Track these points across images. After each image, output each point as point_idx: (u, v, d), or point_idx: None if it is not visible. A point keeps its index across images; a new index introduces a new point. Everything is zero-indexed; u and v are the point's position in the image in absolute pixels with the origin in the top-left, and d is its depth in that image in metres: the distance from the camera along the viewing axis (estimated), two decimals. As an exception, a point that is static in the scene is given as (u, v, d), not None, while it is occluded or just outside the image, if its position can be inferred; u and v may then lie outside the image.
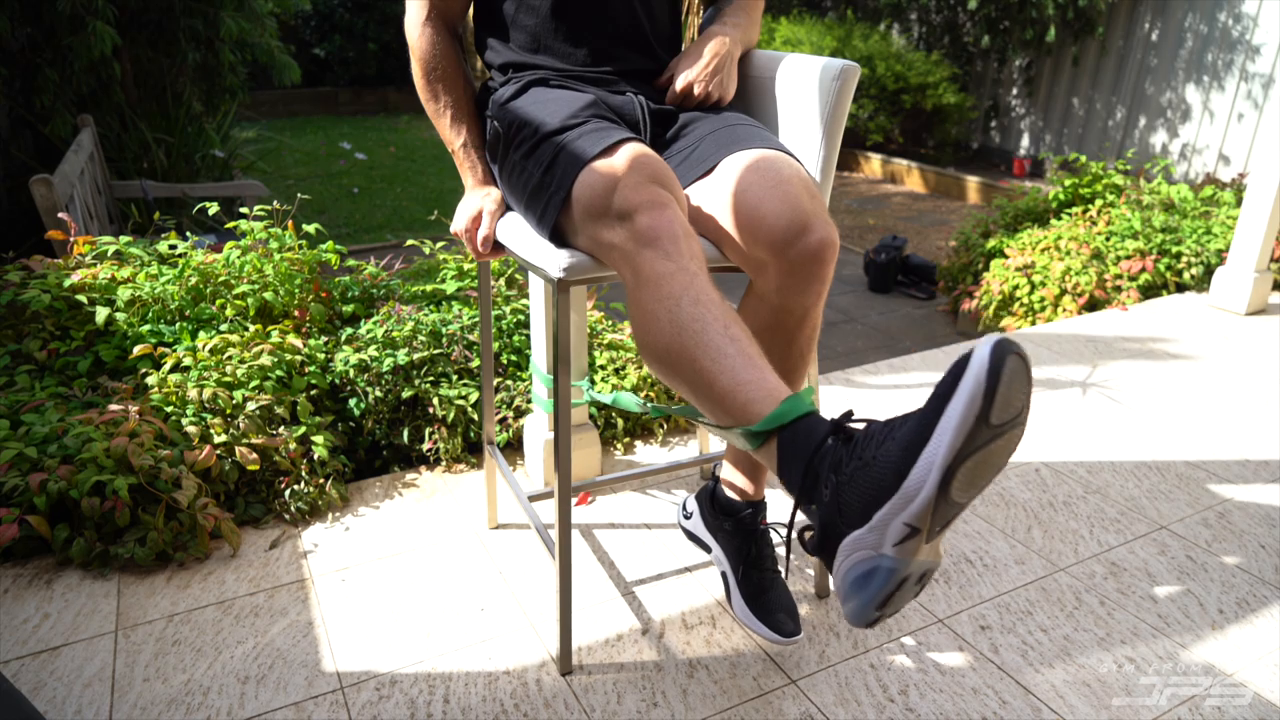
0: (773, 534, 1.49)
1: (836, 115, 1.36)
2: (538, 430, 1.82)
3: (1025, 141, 7.50)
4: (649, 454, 2.02)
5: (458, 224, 1.40)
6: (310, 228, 2.29)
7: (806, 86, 1.37)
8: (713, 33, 1.42)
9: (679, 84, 1.38)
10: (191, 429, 1.72)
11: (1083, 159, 4.33)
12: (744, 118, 1.37)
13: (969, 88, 7.67)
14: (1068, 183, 4.06)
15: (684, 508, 1.52)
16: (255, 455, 1.71)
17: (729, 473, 1.40)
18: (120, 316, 1.97)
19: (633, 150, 1.18)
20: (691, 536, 1.49)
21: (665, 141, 1.37)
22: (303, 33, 9.56)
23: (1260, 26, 5.91)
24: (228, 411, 1.78)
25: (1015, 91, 7.53)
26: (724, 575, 1.41)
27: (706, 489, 1.46)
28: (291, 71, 4.79)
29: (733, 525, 1.39)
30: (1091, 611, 1.52)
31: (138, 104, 4.41)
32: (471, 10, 1.44)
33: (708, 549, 1.45)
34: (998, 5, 6.80)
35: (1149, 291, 3.34)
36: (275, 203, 2.38)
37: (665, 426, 2.12)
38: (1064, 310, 3.27)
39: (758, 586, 1.36)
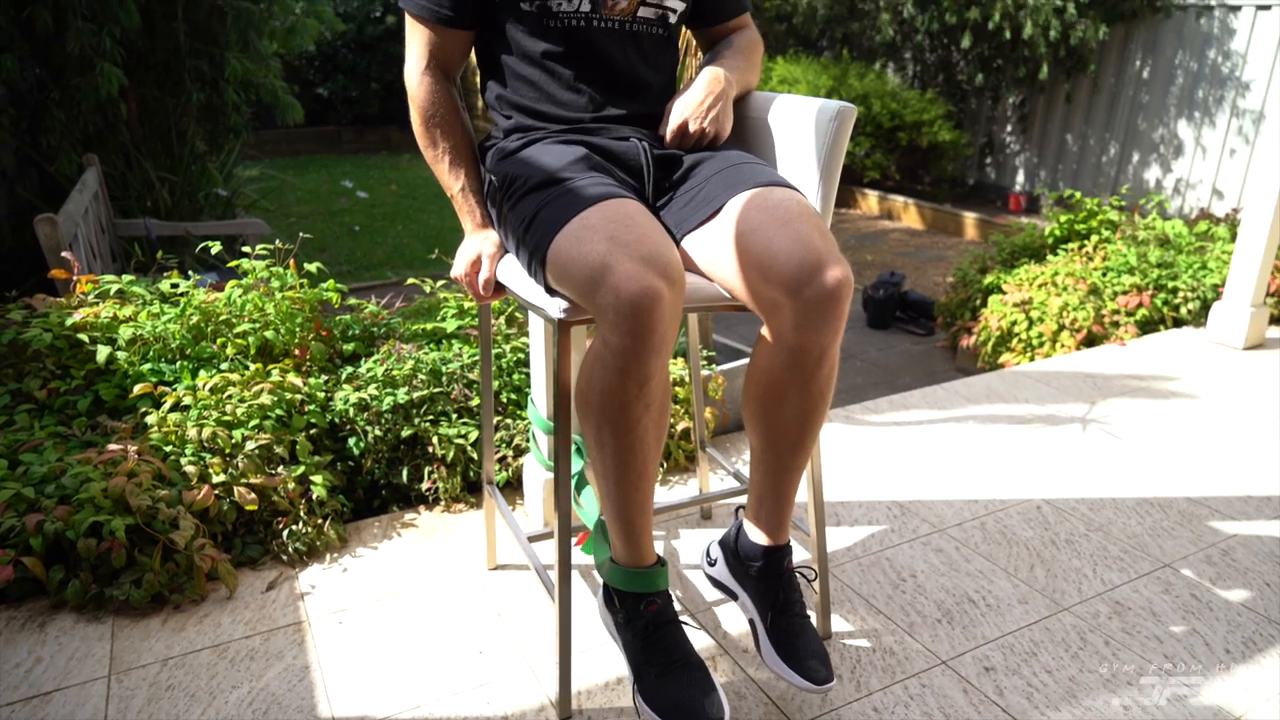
0: (799, 577, 1.48)
1: (834, 155, 1.37)
2: (537, 469, 1.82)
3: (1020, 177, 7.57)
4: (649, 492, 2.01)
5: (457, 269, 1.41)
6: (312, 266, 2.31)
7: (804, 127, 1.39)
8: (709, 70, 1.43)
9: (674, 121, 1.39)
10: (190, 468, 1.71)
11: (1077, 195, 4.37)
12: (748, 156, 1.38)
13: (964, 125, 7.76)
14: (1063, 219, 4.09)
15: (708, 554, 1.51)
16: (253, 495, 1.70)
17: (752, 517, 1.39)
18: (121, 355, 1.98)
19: (607, 216, 1.17)
20: (718, 584, 1.47)
21: (670, 185, 1.38)
22: (306, 73, 9.69)
23: (1249, 63, 5.99)
24: (227, 451, 1.78)
25: (1009, 128, 7.62)
26: (752, 622, 1.39)
27: (730, 535, 1.45)
28: (295, 111, 4.84)
29: (758, 571, 1.37)
30: (1097, 652, 1.51)
31: (143, 143, 4.46)
32: (474, 55, 1.46)
33: (735, 596, 1.43)
34: (990, 44, 6.90)
35: (1146, 326, 3.35)
36: (278, 241, 2.39)
37: (665, 465, 2.12)
38: (1062, 346, 3.27)
39: (787, 633, 1.33)
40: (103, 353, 1.94)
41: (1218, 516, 1.98)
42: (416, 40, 1.38)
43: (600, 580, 1.32)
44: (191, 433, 1.77)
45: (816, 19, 7.61)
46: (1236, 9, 6.06)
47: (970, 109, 7.83)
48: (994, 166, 7.80)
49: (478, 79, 1.50)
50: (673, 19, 1.43)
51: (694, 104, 1.39)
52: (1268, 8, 5.88)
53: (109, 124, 4.25)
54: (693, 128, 1.39)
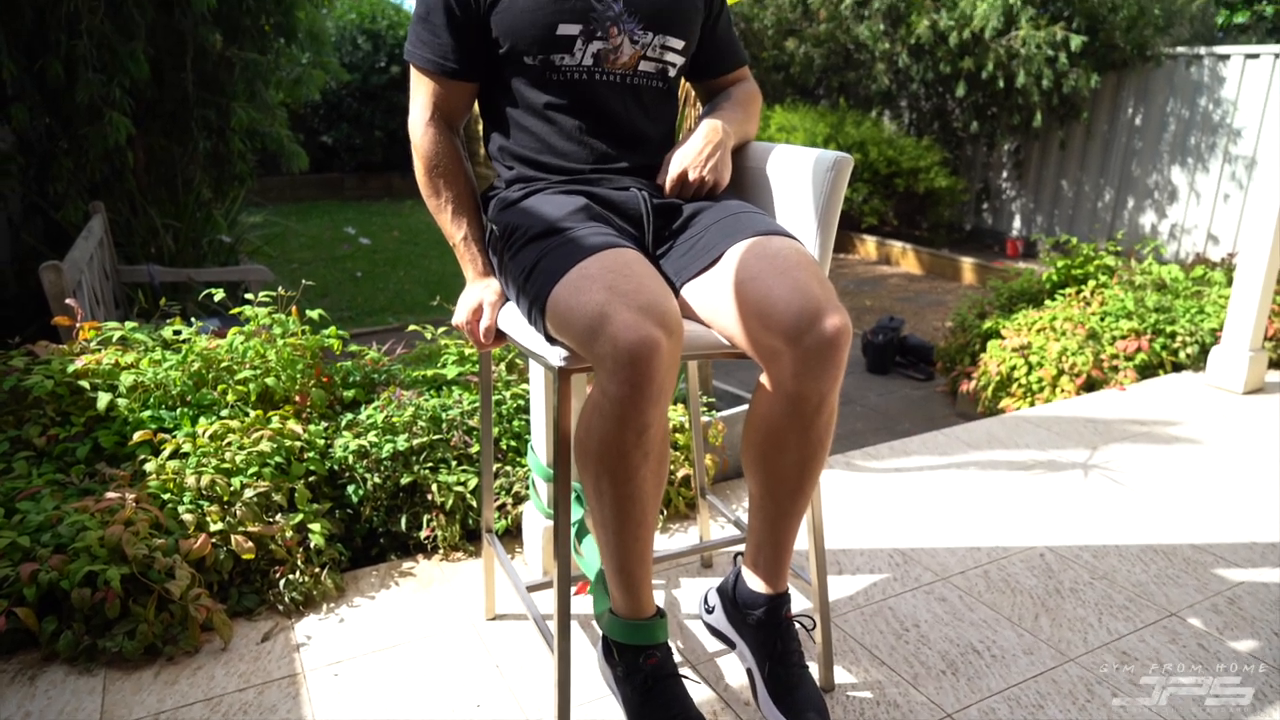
0: (799, 627, 1.46)
1: (831, 205, 1.39)
2: (537, 517, 1.81)
3: (1017, 223, 7.64)
4: (649, 540, 2.00)
5: (459, 317, 1.42)
6: (314, 313, 2.32)
7: (802, 177, 1.41)
8: (707, 121, 1.46)
9: (673, 170, 1.41)
10: (188, 516, 1.70)
11: (1074, 240, 4.40)
12: (747, 206, 1.40)
13: (960, 171, 7.85)
14: (1060, 264, 4.12)
15: (706, 601, 1.49)
16: (251, 544, 1.69)
17: (750, 565, 1.38)
18: (122, 402, 1.98)
19: (605, 265, 1.18)
20: (715, 632, 1.46)
21: (670, 233, 1.40)
22: (311, 121, 9.83)
23: (1240, 110, 6.09)
24: (225, 499, 1.77)
25: (1005, 174, 7.71)
26: (749, 672, 1.37)
27: (728, 582, 1.44)
28: (300, 159, 4.91)
29: (757, 619, 1.36)
30: (1104, 705, 1.49)
31: (148, 190, 4.51)
32: (477, 106, 1.49)
33: (732, 645, 1.42)
34: (985, 92, 7.01)
35: (1146, 371, 3.35)
36: (280, 288, 2.41)
37: (665, 513, 2.11)
38: (1062, 391, 3.27)
39: (785, 684, 1.32)
40: (103, 399, 1.94)
41: (1222, 564, 1.96)
42: (421, 92, 1.41)
43: (600, 632, 1.31)
44: (190, 480, 1.76)
45: (813, 68, 7.75)
46: (1225, 58, 6.17)
47: (966, 155, 7.93)
48: (991, 212, 7.88)
49: (480, 127, 1.53)
50: (672, 72, 1.45)
51: (693, 154, 1.42)
52: (1256, 56, 5.99)
53: (116, 171, 4.30)
54: (692, 176, 1.41)
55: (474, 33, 1.36)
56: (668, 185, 1.42)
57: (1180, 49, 6.50)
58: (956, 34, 6.54)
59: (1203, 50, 6.32)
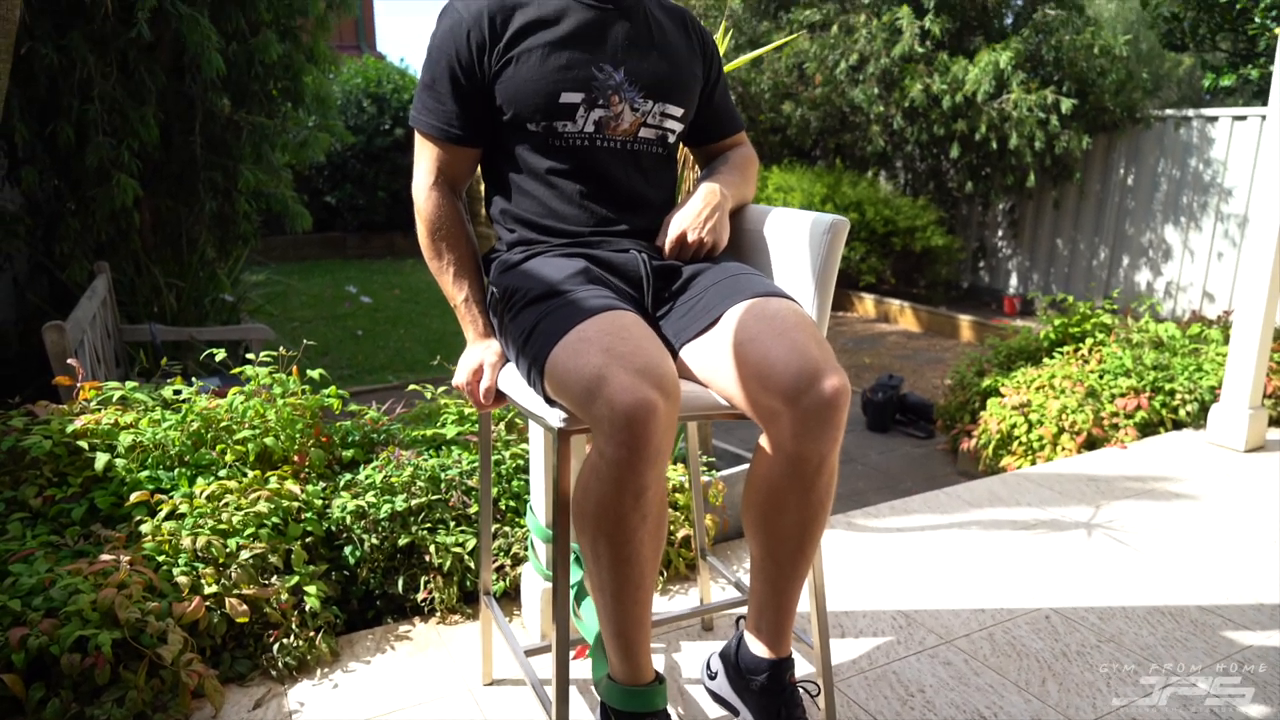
0: (803, 692, 1.44)
1: (828, 267, 1.41)
2: (535, 579, 1.79)
3: (1014, 280, 7.71)
4: (649, 602, 1.97)
5: (459, 378, 1.42)
6: (314, 372, 2.33)
7: (799, 239, 1.43)
8: (705, 184, 1.49)
9: (672, 232, 1.43)
10: (182, 579, 1.69)
11: (1070, 299, 4.43)
12: (745, 268, 1.42)
13: (956, 229, 7.94)
14: (1057, 322, 4.14)
15: (708, 667, 1.47)
16: (245, 607, 1.67)
17: (753, 629, 1.36)
18: (120, 462, 1.97)
19: (603, 328, 1.19)
20: (718, 699, 1.43)
21: (670, 295, 1.42)
22: (316, 181, 9.98)
23: (1230, 170, 6.19)
24: (221, 560, 1.75)
25: (1000, 233, 7.80)
26: None
27: (730, 647, 1.42)
28: (304, 220, 4.97)
29: (760, 685, 1.33)
30: (1115, 773, 1.45)
31: (153, 250, 4.56)
32: (480, 169, 1.52)
33: (736, 712, 1.39)
34: (978, 153, 7.13)
35: (1146, 429, 3.35)
36: (281, 347, 2.42)
37: (665, 574, 2.08)
38: (1063, 449, 3.26)
39: None
40: (101, 460, 1.93)
41: (1231, 626, 1.93)
42: (425, 156, 1.44)
43: (599, 698, 1.28)
44: (186, 542, 1.75)
45: (810, 130, 7.90)
46: (1214, 119, 6.30)
47: (961, 214, 8.03)
48: (987, 270, 7.95)
49: (482, 188, 1.56)
50: (671, 138, 1.49)
51: (691, 215, 1.44)
52: (1244, 118, 6.12)
53: (121, 232, 4.35)
54: (691, 238, 1.43)
55: (478, 100, 1.40)
56: (667, 247, 1.44)
57: (1169, 111, 6.64)
58: (949, 97, 6.68)
59: (1191, 112, 6.45)
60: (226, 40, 4.25)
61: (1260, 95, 6.21)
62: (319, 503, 1.95)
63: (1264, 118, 5.91)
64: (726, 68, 1.98)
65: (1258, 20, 5.66)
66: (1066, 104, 6.39)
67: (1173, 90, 9.13)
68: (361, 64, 10.40)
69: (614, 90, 1.39)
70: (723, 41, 2.30)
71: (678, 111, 1.46)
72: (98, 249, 4.34)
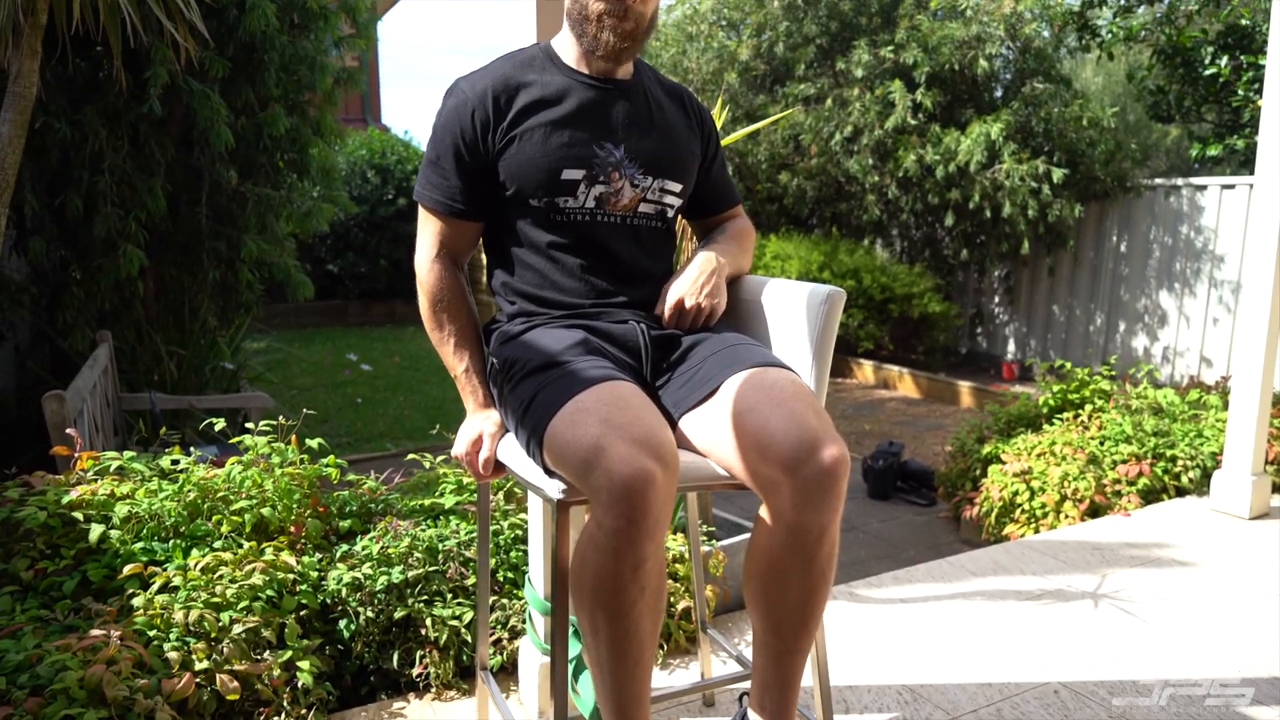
0: None
1: (825, 336, 1.42)
2: (533, 653, 1.75)
3: (1011, 346, 7.74)
4: (649, 677, 1.93)
5: (459, 448, 1.42)
6: (313, 441, 2.32)
7: (796, 310, 1.44)
8: (702, 253, 1.51)
9: (670, 299, 1.45)
10: (173, 654, 1.65)
11: (1068, 365, 4.45)
12: (744, 338, 1.43)
13: (952, 296, 8.01)
14: (1056, 388, 4.15)
15: None
16: (236, 684, 1.63)
17: (756, 706, 1.33)
18: (114, 534, 1.95)
19: (601, 398, 1.19)
20: None
21: (669, 365, 1.42)
22: (318, 250, 10.09)
23: (1221, 237, 6.27)
24: (213, 635, 1.72)
25: (997, 299, 7.86)
26: None
27: None
28: (305, 289, 5.01)
29: None
30: None
31: (156, 318, 4.60)
32: (482, 242, 1.55)
33: None
34: (973, 221, 7.24)
35: (1149, 496, 3.32)
36: (281, 416, 2.42)
37: (665, 647, 2.04)
38: (1066, 517, 3.24)
39: None
40: (95, 531, 1.91)
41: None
42: (428, 230, 1.46)
43: None
44: (178, 615, 1.72)
45: (806, 200, 8.03)
46: (1202, 188, 6.41)
47: (958, 281, 8.11)
48: (985, 336, 7.99)
49: (484, 258, 1.58)
50: (670, 213, 1.52)
51: (689, 282, 1.46)
52: (1232, 187, 6.23)
53: (125, 301, 4.39)
54: (689, 303, 1.45)
55: (482, 176, 1.43)
56: (665, 314, 1.45)
57: (1159, 180, 6.77)
58: (943, 167, 6.81)
59: (1180, 181, 6.57)
60: (236, 114, 4.35)
61: (1247, 164, 6.34)
62: (315, 574, 1.93)
63: (1251, 186, 6.02)
64: (725, 141, 2.03)
65: (1240, 93, 5.80)
66: (1058, 174, 6.51)
67: (1161, 160, 9.32)
68: (366, 136, 10.63)
69: (614, 167, 1.42)
70: (720, 115, 2.36)
71: (676, 187, 1.49)
72: (100, 317, 4.37)
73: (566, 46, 1.46)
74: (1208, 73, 5.89)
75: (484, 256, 1.59)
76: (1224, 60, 5.76)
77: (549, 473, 1.25)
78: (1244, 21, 5.74)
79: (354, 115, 12.94)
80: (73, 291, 4.24)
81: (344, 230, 10.08)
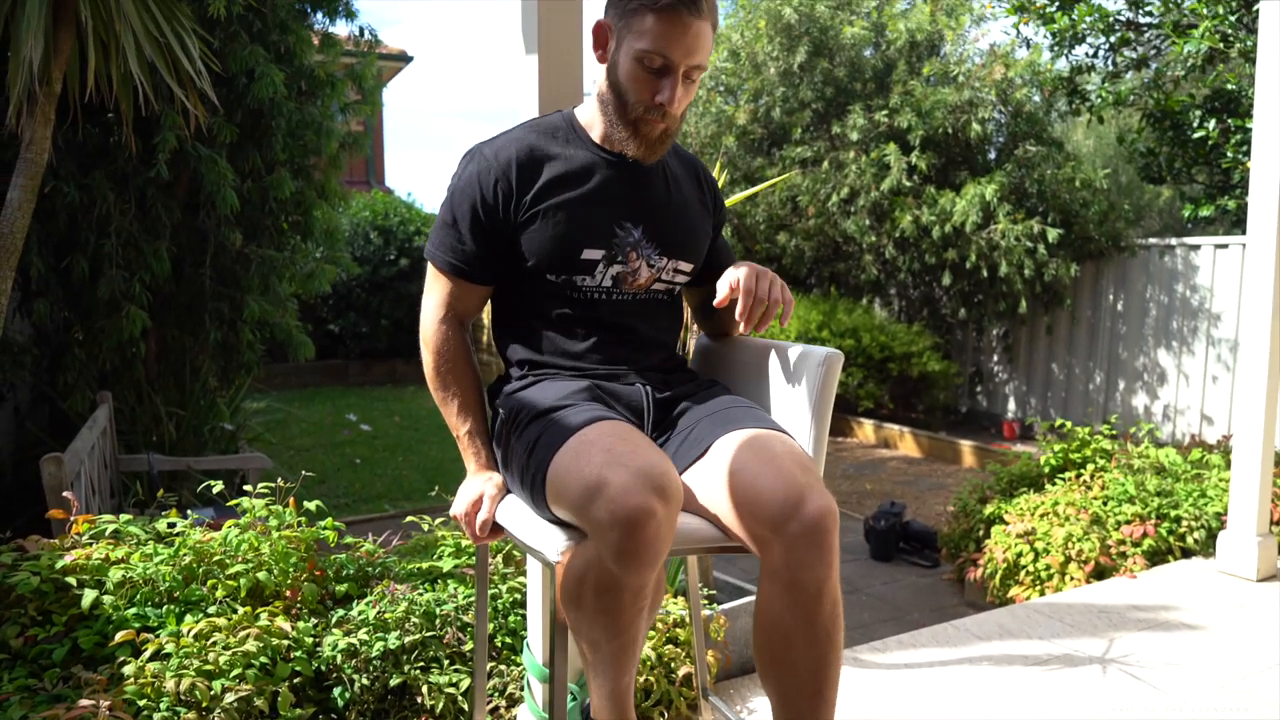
0: None
1: (824, 398, 1.42)
2: (531, 722, 1.72)
3: (1011, 405, 7.74)
4: (649, 746, 1.88)
5: (458, 508, 1.42)
6: (311, 504, 2.31)
7: (794, 372, 1.45)
8: (743, 263, 1.48)
9: (741, 290, 1.39)
10: (163, 725, 1.62)
11: (1068, 424, 4.44)
12: (738, 399, 1.44)
13: (951, 355, 8.04)
14: (1057, 448, 4.13)
15: None
16: (227, 755, 1.59)
17: None
18: (107, 599, 1.93)
19: (605, 432, 1.22)
20: None
21: (667, 424, 1.43)
22: (320, 310, 10.15)
23: (1216, 296, 6.31)
24: (204, 704, 1.69)
25: (996, 358, 7.88)
26: None
27: None
28: (306, 349, 5.03)
29: None
30: None
31: (156, 379, 4.60)
32: (490, 308, 1.55)
33: None
34: (970, 281, 7.30)
35: (1155, 557, 3.29)
36: (280, 479, 2.41)
37: (666, 715, 2.00)
38: (1071, 579, 3.20)
39: None
40: (88, 597, 1.89)
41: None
42: (437, 290, 1.46)
43: None
44: (169, 684, 1.69)
45: (804, 260, 8.11)
46: (1196, 248, 6.48)
47: (957, 340, 8.15)
48: (985, 394, 7.99)
49: (484, 317, 1.59)
50: (678, 289, 1.54)
51: (754, 278, 1.41)
52: (1225, 246, 6.30)
53: (126, 361, 4.40)
54: (761, 296, 1.40)
55: (498, 243, 1.42)
56: (739, 313, 1.40)
57: (1153, 240, 6.84)
58: (939, 228, 6.90)
59: (1174, 241, 6.65)
60: (242, 178, 4.43)
61: (1239, 224, 6.43)
62: (309, 640, 1.90)
63: (1244, 245, 6.09)
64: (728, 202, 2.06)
65: (1229, 155, 5.91)
66: (1053, 234, 6.59)
67: (1155, 219, 9.44)
68: (370, 198, 10.79)
69: (632, 247, 1.43)
70: (719, 178, 2.40)
71: (688, 267, 1.51)
72: (101, 378, 4.38)
73: (591, 120, 1.46)
74: (1196, 136, 6.01)
75: (485, 316, 1.60)
76: (1212, 124, 5.89)
77: (554, 521, 1.25)
78: (1230, 86, 5.88)
79: (358, 177, 13.15)
80: (74, 353, 4.25)
81: (346, 290, 10.16)
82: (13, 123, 2.66)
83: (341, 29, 5.17)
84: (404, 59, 12.39)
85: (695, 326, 1.97)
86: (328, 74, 4.80)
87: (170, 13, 2.86)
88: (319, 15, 4.95)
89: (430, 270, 1.48)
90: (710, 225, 1.57)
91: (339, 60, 5.14)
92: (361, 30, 5.27)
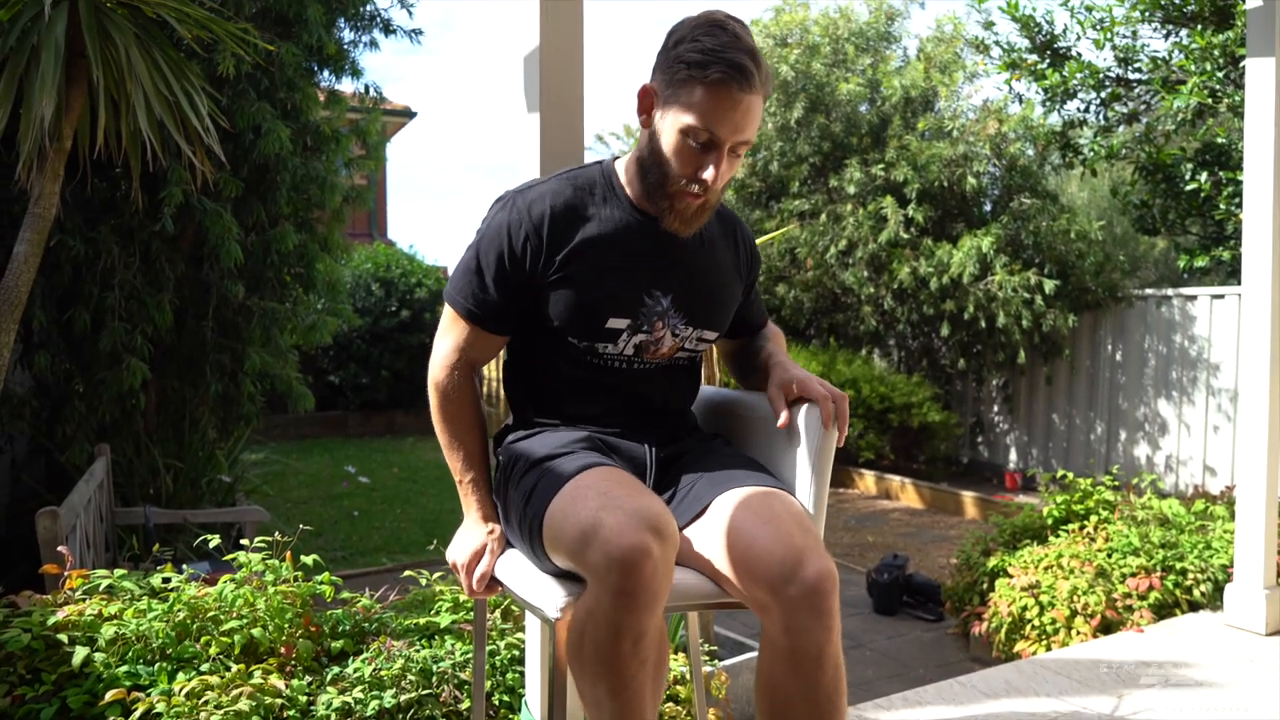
0: None
1: (824, 454, 1.42)
2: (528, 784, 1.68)
3: (1013, 455, 7.70)
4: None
5: (458, 556, 1.39)
6: (308, 559, 2.28)
7: (794, 427, 1.44)
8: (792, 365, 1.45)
9: (824, 407, 1.35)
10: (152, 788, 1.58)
11: (1070, 475, 4.42)
12: (739, 455, 1.43)
13: (951, 405, 8.03)
14: (1059, 499, 4.11)
15: None
16: (217, 819, 1.55)
17: None
18: (99, 657, 1.90)
19: (601, 477, 1.20)
20: None
21: (668, 481, 1.42)
22: (320, 361, 10.17)
23: (1215, 346, 6.33)
24: (194, 766, 1.65)
25: (996, 408, 7.88)
26: None
27: None
28: (306, 401, 5.03)
29: None
30: None
31: (155, 430, 4.59)
32: (503, 354, 1.52)
33: None
34: (968, 331, 7.33)
35: (1161, 610, 3.24)
36: (277, 533, 2.39)
37: (667, 776, 1.96)
38: (1078, 633, 3.15)
39: None
40: (79, 655, 1.86)
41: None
42: (453, 334, 1.42)
43: None
44: (160, 745, 1.65)
45: (803, 311, 8.16)
46: (1193, 298, 6.52)
47: (956, 390, 8.15)
48: (986, 445, 7.96)
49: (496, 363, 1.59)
50: (699, 356, 1.51)
51: (830, 394, 1.38)
52: (1221, 296, 6.33)
53: (126, 413, 4.40)
54: (840, 415, 1.36)
55: (521, 296, 1.39)
56: (828, 426, 1.36)
57: (1149, 290, 6.88)
58: (936, 279, 6.95)
59: (1170, 291, 6.69)
60: (246, 232, 4.47)
61: (1234, 274, 6.47)
62: (303, 699, 1.86)
63: (1240, 295, 6.12)
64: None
65: (1222, 207, 5.98)
66: (1049, 284, 6.63)
67: (1150, 270, 9.51)
68: (372, 249, 10.89)
69: (659, 317, 1.39)
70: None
71: (712, 336, 1.47)
72: (100, 430, 4.37)
73: (630, 178, 1.39)
74: (1189, 188, 6.08)
75: (490, 368, 1.60)
76: (1204, 176, 5.96)
77: (554, 574, 1.24)
78: (1220, 140, 5.97)
79: (360, 230, 13.28)
80: (74, 405, 4.25)
81: (346, 341, 10.19)
82: (22, 178, 2.70)
83: (347, 86, 5.27)
84: (408, 114, 12.62)
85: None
86: (333, 130, 4.88)
87: (180, 72, 2.92)
88: (326, 73, 5.06)
89: (448, 313, 1.43)
90: (740, 289, 1.52)
91: (344, 116, 5.23)
92: (367, 88, 5.38)
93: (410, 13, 5.37)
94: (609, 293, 1.35)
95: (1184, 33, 5.75)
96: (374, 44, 5.28)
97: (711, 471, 1.37)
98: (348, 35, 5.19)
